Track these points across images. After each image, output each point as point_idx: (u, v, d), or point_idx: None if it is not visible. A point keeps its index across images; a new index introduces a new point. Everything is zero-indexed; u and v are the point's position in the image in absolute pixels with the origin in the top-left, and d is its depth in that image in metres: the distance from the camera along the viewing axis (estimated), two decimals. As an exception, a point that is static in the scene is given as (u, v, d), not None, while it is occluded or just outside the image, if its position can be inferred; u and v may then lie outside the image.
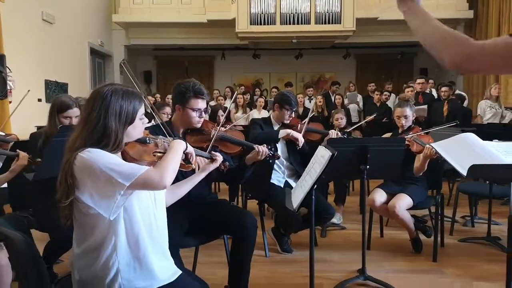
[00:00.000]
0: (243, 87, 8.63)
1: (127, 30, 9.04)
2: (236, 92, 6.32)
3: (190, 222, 2.15)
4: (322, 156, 1.94)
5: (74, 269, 1.44)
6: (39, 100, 6.14)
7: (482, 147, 1.84)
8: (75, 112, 2.57)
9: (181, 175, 2.07)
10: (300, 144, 3.09)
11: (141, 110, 1.49)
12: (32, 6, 6.03)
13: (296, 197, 2.03)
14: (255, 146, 2.27)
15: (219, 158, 1.92)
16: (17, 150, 2.22)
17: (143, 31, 8.94)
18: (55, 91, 6.53)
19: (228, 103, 7.22)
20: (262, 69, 10.52)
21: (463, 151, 1.87)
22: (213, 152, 1.96)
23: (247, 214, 2.24)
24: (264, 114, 6.64)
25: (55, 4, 6.62)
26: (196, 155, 1.89)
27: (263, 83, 10.59)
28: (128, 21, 8.64)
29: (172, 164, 1.44)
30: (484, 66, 1.01)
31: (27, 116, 4.93)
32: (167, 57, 10.62)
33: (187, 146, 1.61)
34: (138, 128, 1.49)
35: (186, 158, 1.64)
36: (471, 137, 1.94)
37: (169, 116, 3.76)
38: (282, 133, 3.11)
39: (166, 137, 1.71)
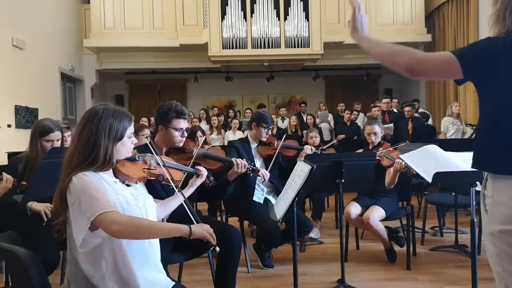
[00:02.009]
0: (216, 109, 8.75)
1: (99, 54, 9.00)
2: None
3: (175, 238, 2.19)
4: (302, 170, 2.07)
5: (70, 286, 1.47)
6: (9, 126, 6.00)
7: (443, 156, 2.05)
8: (57, 135, 2.59)
9: (164, 192, 2.15)
10: (266, 179, 2.80)
11: (130, 129, 1.57)
12: (2, 32, 5.97)
13: (280, 209, 2.13)
14: (234, 159, 2.39)
15: (204, 172, 2.02)
16: (3, 173, 2.21)
17: (115, 56, 8.91)
18: (25, 117, 6.41)
19: (203, 125, 7.30)
20: (235, 92, 10.68)
21: (427, 160, 2.07)
22: (197, 167, 2.05)
23: (230, 227, 2.33)
24: (239, 135, 6.76)
25: (26, 29, 6.56)
26: (182, 170, 1.98)
27: (236, 105, 10.74)
28: (99, 46, 8.62)
29: (142, 229, 1.39)
30: (429, 69, 1.26)
31: (-3, 142, 4.83)
32: (139, 81, 10.62)
33: (191, 232, 1.47)
34: (127, 146, 1.56)
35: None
36: (434, 148, 2.15)
37: (148, 138, 3.81)
38: None
39: (153, 155, 1.79)
